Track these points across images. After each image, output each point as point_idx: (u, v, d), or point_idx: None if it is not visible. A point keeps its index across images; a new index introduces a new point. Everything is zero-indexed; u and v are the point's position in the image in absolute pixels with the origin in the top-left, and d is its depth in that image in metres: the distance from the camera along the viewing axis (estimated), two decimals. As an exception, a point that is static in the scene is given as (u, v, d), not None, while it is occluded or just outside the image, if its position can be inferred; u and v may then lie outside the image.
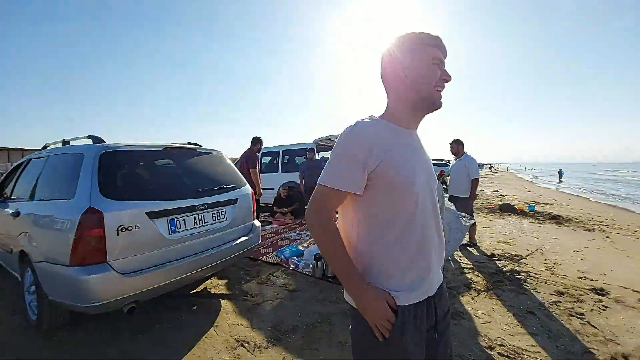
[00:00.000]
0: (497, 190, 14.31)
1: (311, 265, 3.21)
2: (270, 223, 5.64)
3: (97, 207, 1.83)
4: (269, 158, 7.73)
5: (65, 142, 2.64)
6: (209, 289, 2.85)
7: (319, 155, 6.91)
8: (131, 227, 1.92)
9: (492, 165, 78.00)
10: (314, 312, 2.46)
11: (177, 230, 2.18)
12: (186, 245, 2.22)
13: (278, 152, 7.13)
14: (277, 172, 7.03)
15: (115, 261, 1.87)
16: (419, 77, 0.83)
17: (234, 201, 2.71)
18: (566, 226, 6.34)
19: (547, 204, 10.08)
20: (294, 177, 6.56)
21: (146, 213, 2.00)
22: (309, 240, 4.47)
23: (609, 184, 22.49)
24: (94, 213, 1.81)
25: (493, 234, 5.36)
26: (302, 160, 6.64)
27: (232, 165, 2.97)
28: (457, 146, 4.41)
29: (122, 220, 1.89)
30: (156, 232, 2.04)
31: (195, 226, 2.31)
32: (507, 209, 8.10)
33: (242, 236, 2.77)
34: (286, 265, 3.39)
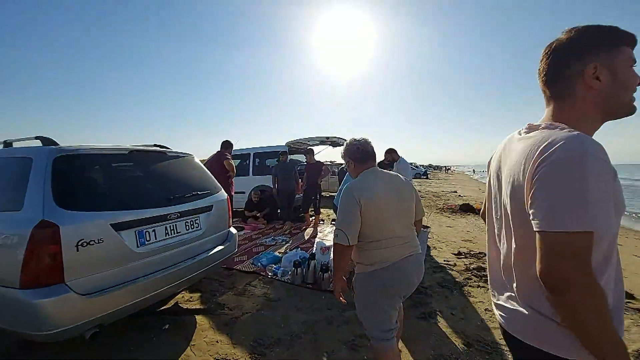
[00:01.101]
0: (455, 191, 15.35)
1: (290, 273, 3.13)
2: (243, 229, 5.43)
3: (52, 219, 1.58)
4: (239, 160, 7.46)
5: (7, 144, 2.28)
6: (180, 304, 2.64)
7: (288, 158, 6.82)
8: (93, 241, 1.70)
9: (449, 167, 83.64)
10: (296, 321, 2.39)
11: (147, 243, 1.98)
12: (157, 258, 2.02)
13: (249, 154, 6.91)
14: (248, 175, 6.80)
15: (75, 281, 1.63)
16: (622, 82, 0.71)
17: (209, 208, 2.54)
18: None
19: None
20: (266, 180, 6.40)
21: (111, 224, 1.78)
22: (285, 246, 4.37)
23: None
24: (48, 227, 1.57)
25: (457, 233, 5.71)
26: (274, 163, 6.50)
27: (205, 169, 2.80)
28: (391, 155, 4.66)
29: (83, 233, 1.66)
30: (123, 245, 1.83)
31: (166, 237, 2.12)
32: (466, 209, 8.71)
33: (217, 245, 2.61)
34: (264, 274, 3.26)
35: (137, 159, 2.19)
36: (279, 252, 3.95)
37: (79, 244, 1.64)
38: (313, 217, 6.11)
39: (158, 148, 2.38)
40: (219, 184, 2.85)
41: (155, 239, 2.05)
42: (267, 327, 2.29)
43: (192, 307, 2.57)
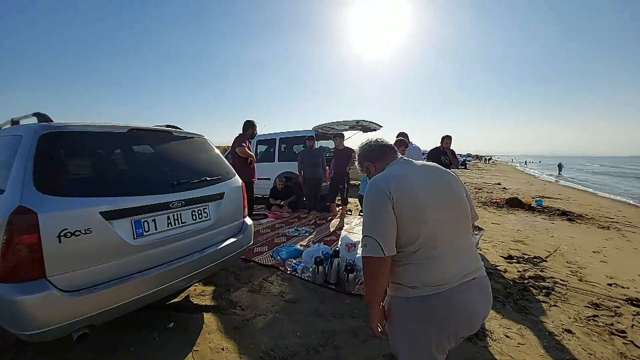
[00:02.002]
0: (499, 183, 13.96)
1: (311, 270, 2.80)
2: (266, 216, 5.21)
3: (30, 205, 1.37)
4: (265, 146, 7.24)
5: (14, 122, 2.16)
6: (191, 298, 2.43)
7: (317, 144, 6.43)
8: (79, 231, 1.47)
9: (490, 157, 77.60)
10: (315, 330, 2.05)
11: (145, 234, 1.74)
12: (158, 251, 1.78)
13: (274, 140, 6.64)
14: (273, 161, 6.56)
15: (59, 276, 1.43)
16: None
17: (220, 196, 2.26)
18: (579, 223, 6.01)
19: (553, 198, 9.76)
20: (292, 167, 6.10)
21: (101, 213, 1.54)
22: (309, 238, 4.06)
23: (609, 178, 22.29)
24: (25, 213, 1.35)
25: (505, 231, 4.98)
26: (301, 149, 6.17)
27: (218, 153, 2.51)
28: (404, 137, 4.48)
29: (66, 222, 1.44)
30: (115, 236, 1.59)
31: (169, 228, 1.87)
32: (514, 204, 7.75)
33: (230, 237, 2.34)
34: (282, 269, 2.97)
35: (137, 138, 1.93)
36: (301, 245, 3.64)
37: (62, 234, 1.42)
38: (340, 208, 5.72)
39: (162, 127, 2.11)
40: (232, 169, 2.55)
41: (156, 229, 1.80)
42: (280, 336, 1.98)
43: (202, 304, 2.35)
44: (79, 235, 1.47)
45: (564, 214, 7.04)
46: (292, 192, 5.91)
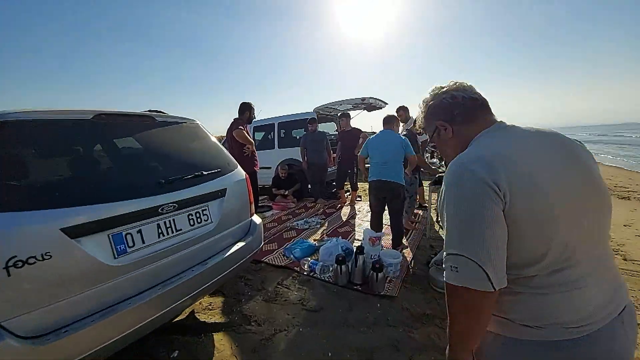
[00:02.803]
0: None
1: (332, 270, 2.45)
2: (270, 208, 4.83)
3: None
4: (263, 133, 6.76)
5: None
6: (197, 314, 2.08)
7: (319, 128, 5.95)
8: (34, 257, 1.07)
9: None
10: (348, 346, 1.72)
11: (130, 250, 1.34)
12: (148, 270, 1.39)
13: (273, 125, 6.15)
14: (273, 148, 6.10)
15: (15, 320, 1.04)
16: None
17: (221, 193, 1.85)
18: (598, 195, 5.73)
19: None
20: (294, 153, 5.67)
21: (62, 230, 1.13)
22: (321, 230, 3.69)
23: (606, 146, 22.02)
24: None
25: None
26: (302, 133, 5.71)
27: (215, 140, 2.07)
28: (404, 113, 4.16)
29: (14, 247, 1.03)
30: (87, 258, 1.20)
31: (160, 239, 1.47)
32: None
33: (237, 241, 1.95)
34: (298, 269, 2.62)
35: (108, 127, 1.49)
36: (314, 240, 3.28)
37: (10, 264, 1.02)
38: (349, 194, 5.35)
39: (140, 112, 1.66)
40: (233, 160, 2.13)
41: (143, 243, 1.40)
42: (309, 357, 1.64)
43: (210, 322, 1.99)
44: (35, 262, 1.07)
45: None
46: (296, 180, 5.50)
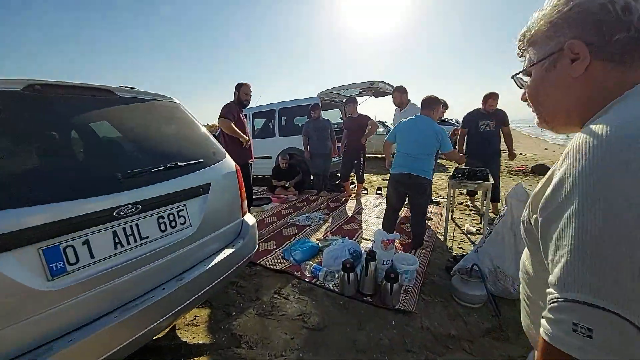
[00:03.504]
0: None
1: (338, 277, 2.12)
2: (270, 201, 4.49)
3: None
4: (263, 120, 6.36)
5: None
6: (179, 331, 1.76)
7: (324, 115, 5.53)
8: None
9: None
10: (359, 381, 1.39)
11: (70, 269, 1.00)
12: (98, 294, 1.05)
13: (273, 111, 5.73)
14: (273, 136, 5.71)
15: None
16: None
17: (204, 188, 1.49)
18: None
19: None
20: (295, 141, 5.28)
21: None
22: (324, 227, 3.35)
23: None
24: None
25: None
26: (304, 120, 5.31)
27: (197, 123, 1.70)
28: (400, 95, 3.70)
29: None
30: (7, 283, 0.85)
31: (117, 251, 1.12)
32: (541, 171, 7.03)
33: (225, 247, 1.61)
34: (299, 275, 2.28)
35: (44, 103, 1.11)
36: (317, 240, 2.94)
37: None
38: (354, 187, 4.99)
39: (95, 84, 1.28)
40: (221, 148, 1.76)
41: (92, 257, 1.05)
42: (310, 395, 1.32)
43: (193, 342, 1.67)
44: None
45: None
46: (298, 170, 5.14)
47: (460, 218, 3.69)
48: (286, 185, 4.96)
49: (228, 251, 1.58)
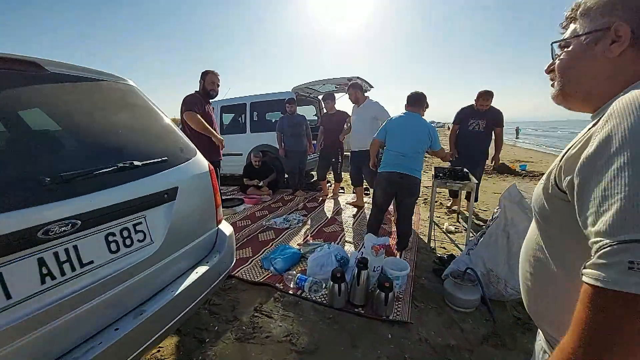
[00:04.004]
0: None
1: (326, 287, 1.92)
2: (242, 202, 4.15)
3: None
4: (232, 115, 5.93)
5: None
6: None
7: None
8: None
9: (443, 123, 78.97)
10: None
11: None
12: (18, 349, 0.74)
13: (244, 105, 5.34)
14: (244, 132, 5.32)
15: None
16: None
17: (170, 194, 1.20)
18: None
19: (530, 162, 9.83)
20: (268, 138, 4.97)
21: None
22: (304, 230, 3.12)
23: (564, 141, 23.83)
24: None
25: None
26: (277, 116, 5.01)
27: (161, 113, 1.38)
28: (355, 92, 3.55)
29: None
30: None
31: (47, 285, 0.81)
32: (502, 170, 7.50)
33: (197, 265, 1.33)
34: (281, 287, 2.04)
35: None
36: (298, 245, 2.71)
37: None
38: (330, 185, 4.83)
39: (14, 55, 0.92)
40: (190, 144, 1.46)
41: (7, 298, 0.73)
42: None
43: (157, 382, 1.36)
44: None
45: (551, 177, 6.97)
46: (271, 169, 4.84)
47: (437, 217, 3.70)
48: (259, 184, 4.64)
49: (201, 269, 1.30)
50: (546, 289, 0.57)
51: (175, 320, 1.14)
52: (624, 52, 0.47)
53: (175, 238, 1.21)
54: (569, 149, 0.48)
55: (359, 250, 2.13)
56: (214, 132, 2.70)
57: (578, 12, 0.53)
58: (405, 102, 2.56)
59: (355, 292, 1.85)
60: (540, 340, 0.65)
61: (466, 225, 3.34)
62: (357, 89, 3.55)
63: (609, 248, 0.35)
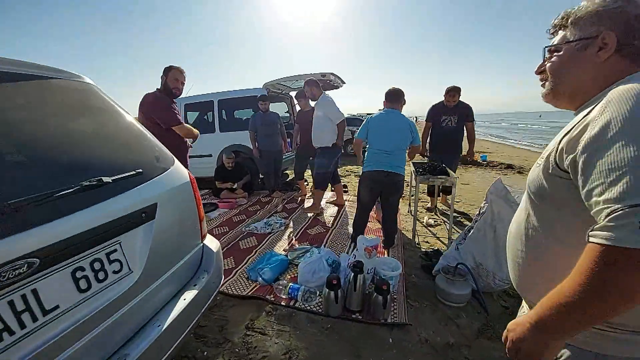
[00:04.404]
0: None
1: (321, 295, 1.84)
2: (216, 207, 3.89)
3: None
4: (197, 113, 5.55)
5: None
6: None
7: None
8: None
9: (417, 117, 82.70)
10: None
11: None
12: None
13: (211, 102, 5.00)
14: (213, 132, 4.99)
15: None
16: None
17: (148, 213, 1.02)
18: (526, 174, 6.36)
19: (488, 152, 10.55)
20: (239, 137, 4.72)
21: None
22: (287, 233, 2.99)
23: (510, 133, 25.97)
24: None
25: (482, 191, 4.77)
26: (248, 114, 4.77)
27: (128, 116, 1.18)
28: (310, 89, 3.52)
29: None
30: None
31: (1, 346, 0.62)
32: (465, 161, 7.94)
33: (183, 290, 1.17)
34: (272, 299, 1.91)
35: None
36: (284, 251, 2.58)
37: None
38: (307, 185, 4.72)
39: None
40: (165, 150, 1.27)
41: None
42: None
43: None
44: None
45: (509, 167, 7.51)
46: (245, 170, 4.61)
47: (417, 211, 3.78)
48: (233, 186, 4.39)
49: (189, 295, 1.14)
50: (536, 262, 0.64)
51: (164, 358, 0.98)
52: (610, 57, 0.56)
53: (157, 262, 1.04)
54: (566, 134, 0.54)
55: (351, 253, 2.07)
56: (193, 129, 2.43)
57: (569, 20, 0.60)
58: (384, 99, 2.53)
59: (351, 298, 1.79)
60: (523, 309, 0.74)
61: (445, 219, 3.47)
62: (311, 85, 3.45)
63: (620, 212, 0.41)
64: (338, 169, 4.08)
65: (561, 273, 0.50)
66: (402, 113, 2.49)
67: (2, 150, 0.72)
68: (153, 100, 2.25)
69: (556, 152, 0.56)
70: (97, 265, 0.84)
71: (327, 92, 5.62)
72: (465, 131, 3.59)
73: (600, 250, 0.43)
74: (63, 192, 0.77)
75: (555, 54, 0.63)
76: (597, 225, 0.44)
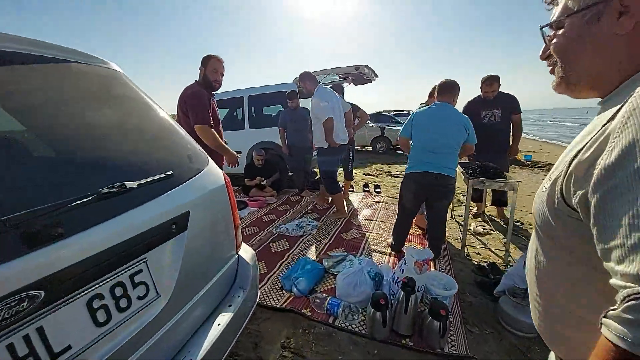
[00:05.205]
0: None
1: (365, 315, 1.61)
2: (246, 205, 3.79)
3: None
4: (227, 110, 5.51)
5: None
6: None
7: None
8: None
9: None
10: None
11: None
12: None
13: (242, 99, 4.93)
14: (243, 128, 4.93)
15: None
16: None
17: (180, 224, 0.85)
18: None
19: (531, 152, 9.70)
20: (271, 134, 4.60)
21: None
22: (320, 235, 2.79)
23: (561, 129, 23.78)
24: None
25: (532, 195, 4.27)
26: (278, 110, 4.63)
27: (158, 108, 1.03)
28: (304, 84, 3.14)
29: None
30: None
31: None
32: (511, 161, 7.31)
33: (215, 311, 1.00)
34: (309, 313, 1.72)
35: None
36: (318, 258, 2.39)
37: None
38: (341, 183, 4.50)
39: None
40: (198, 148, 1.11)
41: None
42: None
43: None
44: None
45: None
46: (274, 168, 4.48)
47: (459, 216, 3.43)
48: (263, 182, 4.27)
49: (223, 319, 0.97)
50: (553, 312, 0.51)
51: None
52: (637, 24, 0.38)
53: (188, 281, 0.88)
54: (580, 151, 0.39)
55: (399, 266, 1.82)
56: (228, 148, 2.23)
57: None
58: (436, 92, 2.24)
59: (400, 320, 1.55)
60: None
61: (492, 227, 3.09)
62: (304, 80, 3.12)
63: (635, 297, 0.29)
64: (366, 168, 3.80)
65: (581, 332, 0.42)
66: (454, 107, 2.19)
67: (2, 150, 0.57)
68: (191, 94, 2.07)
69: (564, 177, 0.41)
70: (118, 291, 0.68)
71: (358, 86, 5.34)
72: (512, 126, 3.11)
73: (613, 350, 0.32)
74: (77, 202, 0.61)
75: (559, 31, 0.47)
76: (612, 311, 0.32)
